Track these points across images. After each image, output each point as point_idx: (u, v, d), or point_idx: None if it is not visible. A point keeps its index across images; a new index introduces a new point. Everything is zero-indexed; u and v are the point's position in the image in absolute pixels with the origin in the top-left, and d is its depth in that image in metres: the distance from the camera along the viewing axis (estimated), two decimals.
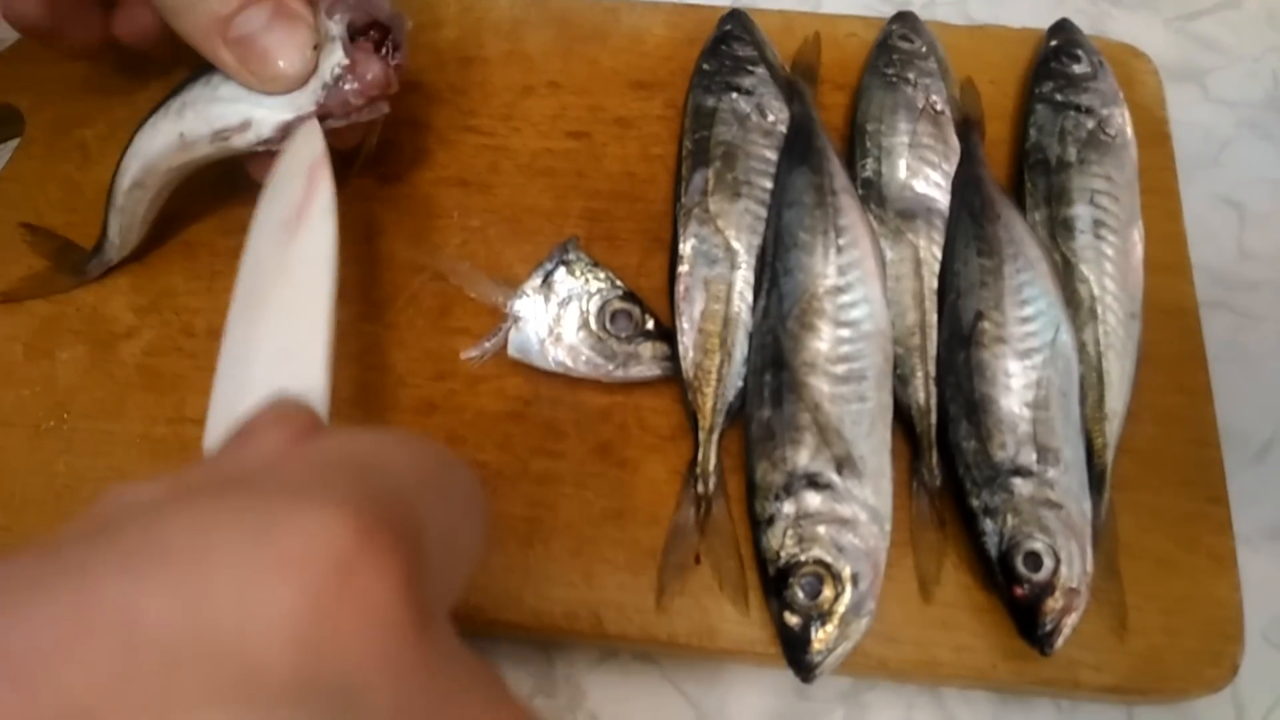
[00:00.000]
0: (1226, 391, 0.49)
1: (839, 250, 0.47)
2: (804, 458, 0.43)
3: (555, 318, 0.48)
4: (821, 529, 0.42)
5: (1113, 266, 0.48)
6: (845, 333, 0.45)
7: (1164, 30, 0.64)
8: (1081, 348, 0.47)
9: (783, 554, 0.42)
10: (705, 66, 0.54)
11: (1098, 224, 0.49)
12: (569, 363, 0.48)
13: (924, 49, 0.55)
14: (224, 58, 0.44)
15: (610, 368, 0.48)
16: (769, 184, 0.50)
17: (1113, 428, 0.46)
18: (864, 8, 0.65)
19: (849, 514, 0.42)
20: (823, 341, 0.45)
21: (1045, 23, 0.59)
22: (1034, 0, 0.65)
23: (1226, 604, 0.44)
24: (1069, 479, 0.43)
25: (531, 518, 0.46)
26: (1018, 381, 0.45)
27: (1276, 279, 0.56)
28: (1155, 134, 0.55)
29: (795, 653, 0.41)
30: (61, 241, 0.52)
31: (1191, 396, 0.49)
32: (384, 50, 0.47)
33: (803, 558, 0.41)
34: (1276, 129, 0.60)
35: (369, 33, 0.47)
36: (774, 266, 0.47)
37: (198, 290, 0.52)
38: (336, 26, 0.45)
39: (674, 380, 0.48)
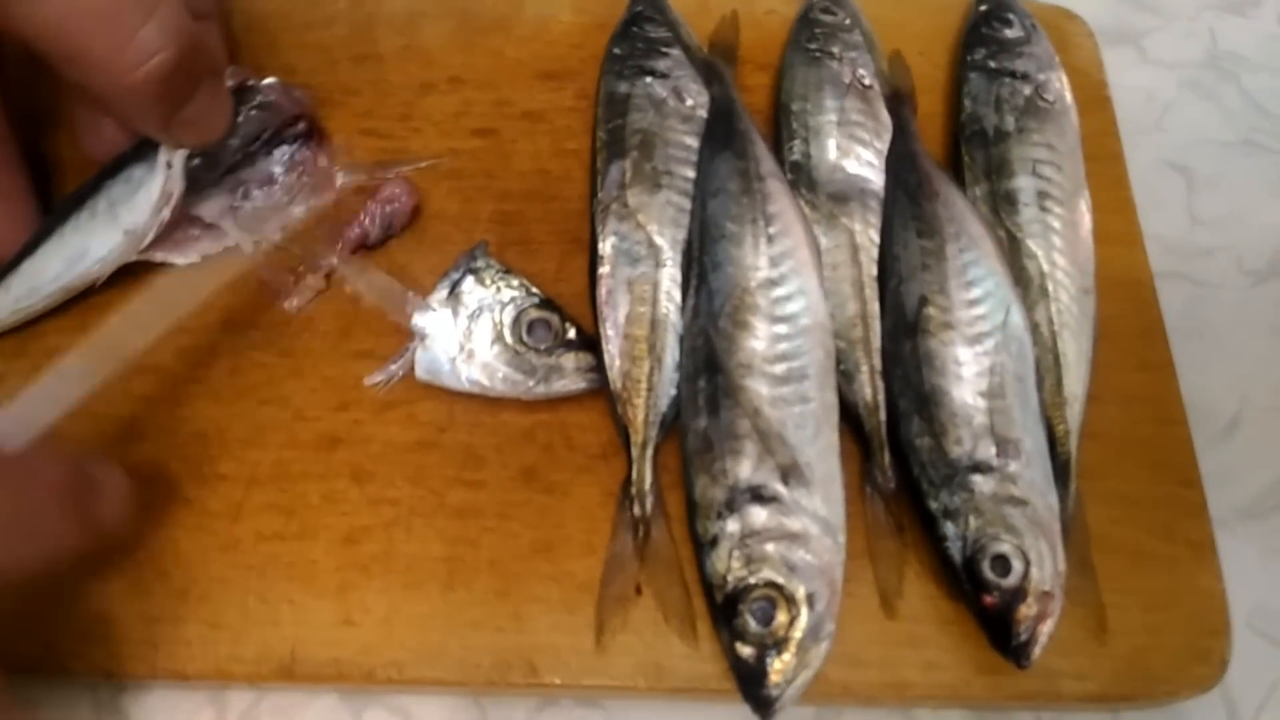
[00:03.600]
0: (1187, 365, 0.47)
1: (770, 240, 0.43)
2: (746, 469, 0.39)
3: (466, 332, 0.44)
4: (770, 547, 0.38)
5: (1061, 240, 0.45)
6: (782, 329, 0.41)
7: None
8: (1035, 329, 0.43)
9: (730, 578, 0.38)
10: (616, 51, 0.50)
11: (1042, 195, 0.46)
12: (484, 381, 0.43)
13: (848, 21, 0.51)
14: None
15: (530, 384, 0.43)
16: (691, 173, 0.47)
17: (1074, 412, 0.43)
18: None
19: (799, 528, 0.38)
20: (758, 340, 0.41)
21: None
22: None
23: (1209, 594, 0.41)
24: (1032, 472, 0.40)
25: (451, 557, 0.42)
26: (969, 370, 0.41)
27: (1231, 244, 0.53)
28: (1095, 99, 0.52)
29: (751, 686, 0.37)
30: None
31: (1154, 373, 0.46)
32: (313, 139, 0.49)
33: (752, 580, 0.37)
34: (1219, 89, 0.58)
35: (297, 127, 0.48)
36: (701, 261, 0.43)
37: (68, 328, 0.46)
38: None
39: (601, 393, 0.44)
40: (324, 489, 0.43)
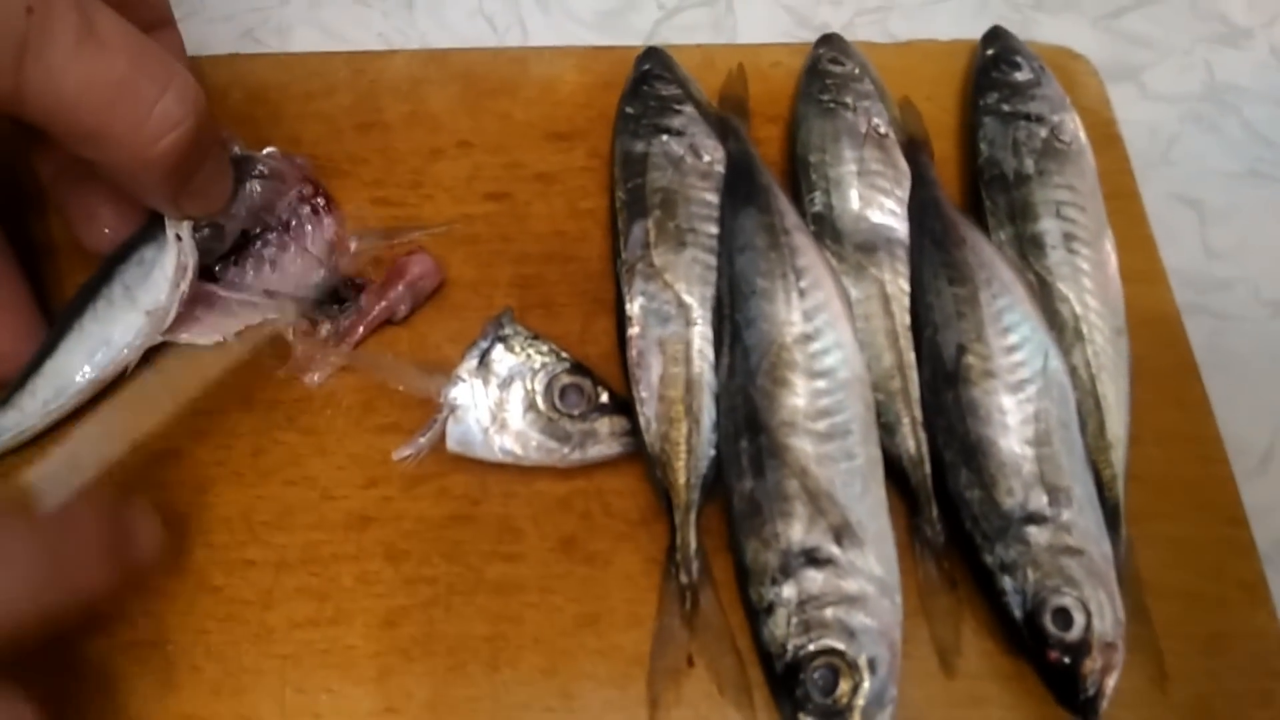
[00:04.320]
0: (1216, 400, 0.46)
1: (801, 294, 0.43)
2: (798, 531, 0.38)
3: (498, 402, 0.43)
4: (829, 612, 0.37)
5: (1091, 281, 0.45)
6: (822, 384, 0.41)
7: (1092, 30, 0.62)
8: (1073, 372, 0.43)
9: (789, 646, 0.37)
10: (629, 110, 0.50)
11: (1068, 237, 0.46)
12: (518, 450, 0.42)
13: (857, 71, 0.51)
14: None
15: (565, 451, 0.42)
16: (714, 229, 0.46)
17: (1119, 456, 0.42)
18: (782, 34, 0.62)
19: (856, 590, 0.37)
20: (799, 396, 0.40)
21: (971, 34, 0.56)
22: (955, 12, 0.63)
23: (1266, 634, 0.41)
24: (1085, 519, 0.39)
25: (494, 635, 0.40)
26: (1014, 418, 0.41)
27: (1247, 275, 0.53)
28: (1105, 137, 0.52)
29: None
30: None
31: (1190, 411, 0.46)
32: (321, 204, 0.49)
33: (812, 648, 0.36)
34: (1220, 120, 0.58)
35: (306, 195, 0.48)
36: (733, 319, 0.43)
37: (81, 415, 0.45)
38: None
39: (636, 457, 0.43)
40: (357, 570, 0.42)
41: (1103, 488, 0.42)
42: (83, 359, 0.43)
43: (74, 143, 0.39)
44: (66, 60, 0.36)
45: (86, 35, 0.36)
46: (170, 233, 0.43)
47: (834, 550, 0.38)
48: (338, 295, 0.46)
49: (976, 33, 0.56)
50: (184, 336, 0.44)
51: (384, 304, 0.46)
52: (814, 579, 0.37)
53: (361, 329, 0.46)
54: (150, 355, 0.44)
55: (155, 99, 0.37)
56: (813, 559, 0.38)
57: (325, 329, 0.45)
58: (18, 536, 0.34)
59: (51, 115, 0.37)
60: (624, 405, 0.43)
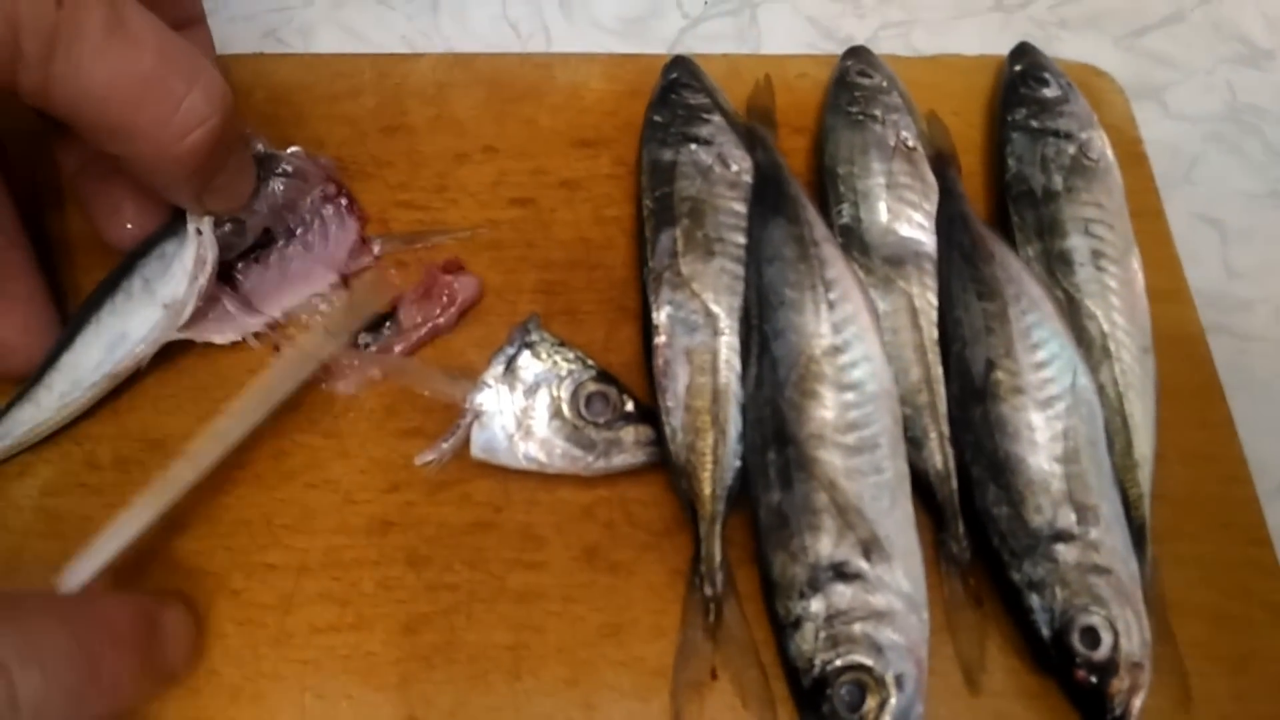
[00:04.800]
0: (1238, 420, 0.46)
1: (830, 306, 0.42)
2: (826, 545, 0.38)
3: (523, 408, 0.42)
4: (857, 627, 0.37)
5: (1118, 299, 0.45)
6: (850, 396, 0.41)
7: (1114, 49, 0.62)
8: (1100, 390, 0.43)
9: (816, 661, 0.36)
10: (657, 118, 0.50)
11: (1096, 255, 0.46)
12: (542, 458, 0.42)
13: (885, 83, 0.51)
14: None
15: (590, 459, 0.42)
16: (742, 239, 0.46)
17: (1145, 475, 0.42)
18: (806, 46, 0.62)
19: (884, 606, 0.37)
20: (828, 409, 0.40)
21: (993, 50, 0.56)
22: (979, 28, 0.63)
23: None
24: (1113, 538, 0.39)
25: (516, 644, 0.40)
26: (1043, 435, 0.40)
27: (1269, 295, 0.53)
28: (1131, 155, 0.52)
29: None
30: None
31: (1214, 431, 0.45)
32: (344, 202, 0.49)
33: (839, 663, 0.36)
34: (1242, 141, 0.58)
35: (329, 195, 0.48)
36: (761, 330, 0.43)
37: (100, 414, 0.45)
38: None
39: (660, 466, 0.43)
40: (378, 576, 0.41)
41: (1129, 506, 0.41)
42: (99, 353, 0.43)
43: (100, 137, 0.38)
44: (95, 54, 0.35)
45: (116, 29, 0.36)
46: (191, 227, 0.43)
47: (862, 565, 0.37)
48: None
49: (1000, 48, 0.56)
50: (198, 335, 0.44)
51: (430, 325, 0.46)
52: (842, 594, 0.37)
53: (401, 346, 0.45)
54: (165, 353, 0.44)
55: (182, 95, 0.37)
56: (841, 573, 0.37)
57: (365, 340, 0.45)
58: (51, 630, 0.33)
59: (78, 109, 0.37)
60: (649, 414, 0.43)
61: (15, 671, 0.30)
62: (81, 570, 0.37)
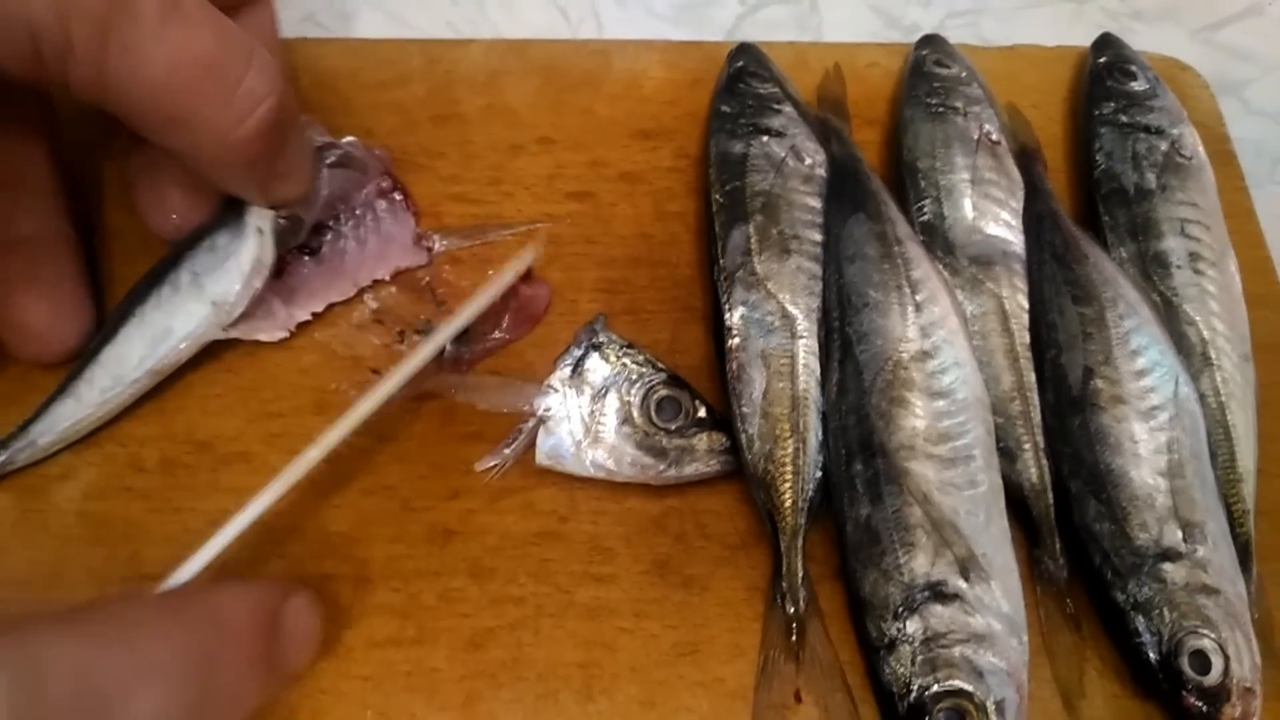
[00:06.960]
0: None
1: (917, 308, 0.40)
2: (922, 563, 0.36)
3: (591, 413, 0.40)
4: (956, 651, 0.34)
5: (1217, 304, 0.43)
6: (941, 404, 0.38)
7: (1190, 42, 0.60)
8: (1201, 399, 0.41)
9: (914, 685, 0.34)
10: (724, 109, 0.48)
11: (1194, 257, 0.43)
12: (611, 465, 0.40)
13: (964, 74, 0.49)
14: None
15: (661, 467, 0.40)
16: (818, 237, 0.44)
17: (1249, 489, 0.40)
18: (869, 34, 0.59)
19: (983, 628, 0.35)
20: (919, 418, 0.38)
21: (1067, 40, 0.54)
22: (1050, 18, 0.60)
23: None
24: (1220, 556, 0.37)
25: (587, 662, 0.38)
26: (1146, 447, 0.38)
27: None
28: (1219, 153, 0.50)
29: None
30: None
31: None
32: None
33: (938, 689, 0.34)
34: None
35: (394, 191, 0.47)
36: (844, 332, 0.40)
37: (145, 415, 0.43)
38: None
39: (732, 477, 0.41)
40: (440, 587, 0.39)
41: (1233, 523, 0.39)
42: (142, 348, 0.41)
43: (157, 129, 0.36)
44: (152, 39, 0.33)
45: (171, 10, 0.33)
46: (251, 224, 0.41)
47: (960, 585, 0.35)
48: None
49: (1072, 39, 0.54)
50: (244, 333, 0.42)
51: (509, 339, 0.44)
52: (940, 615, 0.35)
53: (470, 360, 0.43)
54: (211, 351, 0.42)
55: (241, 76, 0.35)
56: (938, 593, 0.35)
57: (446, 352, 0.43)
58: (163, 640, 0.29)
59: (135, 100, 0.35)
60: (722, 421, 0.41)
61: (136, 698, 0.27)
62: (190, 565, 0.34)
